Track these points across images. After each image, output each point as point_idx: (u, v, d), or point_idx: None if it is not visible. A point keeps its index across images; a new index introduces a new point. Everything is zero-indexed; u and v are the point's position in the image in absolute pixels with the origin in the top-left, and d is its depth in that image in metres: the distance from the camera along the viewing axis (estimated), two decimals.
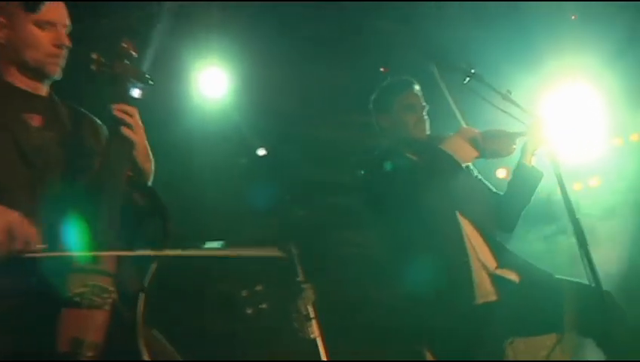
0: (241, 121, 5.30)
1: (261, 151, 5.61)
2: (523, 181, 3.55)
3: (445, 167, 3.34)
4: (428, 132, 3.61)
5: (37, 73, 2.49)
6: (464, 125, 3.48)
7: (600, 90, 5.23)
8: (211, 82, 5.12)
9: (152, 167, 2.60)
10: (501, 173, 4.85)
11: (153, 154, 2.61)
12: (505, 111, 3.42)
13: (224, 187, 5.31)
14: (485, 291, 3.33)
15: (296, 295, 3.90)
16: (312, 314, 3.90)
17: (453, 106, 3.50)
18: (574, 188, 5.67)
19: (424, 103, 3.64)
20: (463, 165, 3.39)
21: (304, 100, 5.28)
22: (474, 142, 3.38)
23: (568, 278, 3.36)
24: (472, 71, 3.40)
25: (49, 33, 2.47)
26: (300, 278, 3.97)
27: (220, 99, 5.19)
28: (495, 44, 4.68)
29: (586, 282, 3.08)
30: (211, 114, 5.22)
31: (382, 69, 5.05)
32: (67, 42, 2.51)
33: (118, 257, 2.25)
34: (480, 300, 3.31)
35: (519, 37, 4.97)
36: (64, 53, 2.51)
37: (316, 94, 5.26)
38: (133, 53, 2.55)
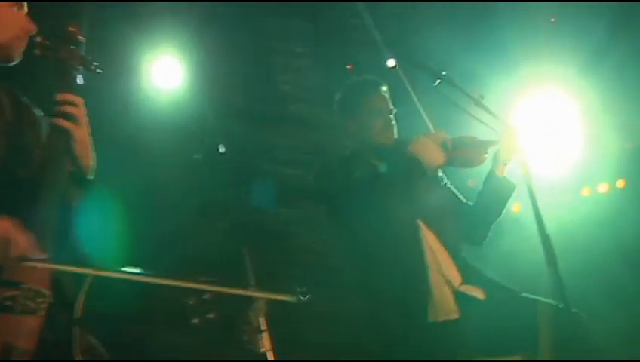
0: (197, 115, 5.26)
1: (220, 148, 5.57)
2: (494, 192, 3.56)
3: (410, 171, 3.33)
4: (395, 136, 3.61)
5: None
6: (433, 130, 3.50)
7: (576, 99, 5.31)
8: (165, 73, 5.07)
9: (93, 163, 2.56)
10: (473, 183, 4.89)
11: (100, 148, 2.57)
12: (477, 118, 3.45)
13: (176, 185, 5.27)
14: (447, 308, 3.34)
15: (248, 305, 3.88)
16: (263, 326, 3.88)
17: (422, 110, 3.51)
18: (546, 202, 5.75)
19: (392, 106, 3.63)
20: (430, 169, 3.38)
21: (265, 97, 5.27)
22: (443, 147, 3.37)
23: (535, 297, 3.38)
24: (443, 73, 3.42)
25: (18, 15, 2.46)
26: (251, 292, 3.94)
27: (173, 90, 5.15)
28: (467, 47, 4.72)
29: (554, 302, 3.13)
30: (164, 106, 5.17)
31: (348, 67, 5.05)
32: (34, 28, 2.48)
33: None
34: (441, 317, 3.31)
35: (493, 39, 5.01)
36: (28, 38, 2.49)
37: (278, 91, 5.26)
38: (80, 38, 2.52)
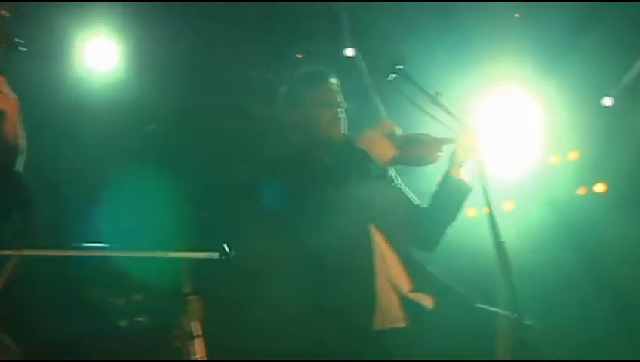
0: (133, 100, 5.20)
1: (155, 138, 5.51)
2: (449, 195, 3.56)
3: (357, 164, 3.32)
4: (345, 132, 3.58)
5: None
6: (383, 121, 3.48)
7: (538, 100, 5.38)
8: (99, 53, 5.03)
9: (23, 146, 2.51)
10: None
11: (27, 131, 2.53)
12: (433, 116, 3.43)
13: (108, 175, 5.21)
14: (393, 316, 3.33)
15: (181, 308, 3.84)
16: (197, 332, 3.85)
17: (378, 103, 3.50)
18: (504, 208, 5.83)
19: (342, 99, 3.61)
20: (379, 163, 3.37)
21: (208, 85, 5.22)
22: (393, 139, 3.37)
23: (489, 307, 3.44)
24: (399, 67, 3.38)
25: None
26: (187, 289, 3.90)
27: (108, 72, 5.10)
28: (426, 41, 4.73)
29: (507, 312, 3.11)
30: (98, 88, 5.11)
31: (298, 56, 5.02)
32: None
33: None
34: (386, 325, 3.31)
35: (452, 35, 5.05)
36: None
37: (221, 80, 5.21)
38: (4, 13, 2.48)
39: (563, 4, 5.15)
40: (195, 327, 3.86)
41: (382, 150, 3.34)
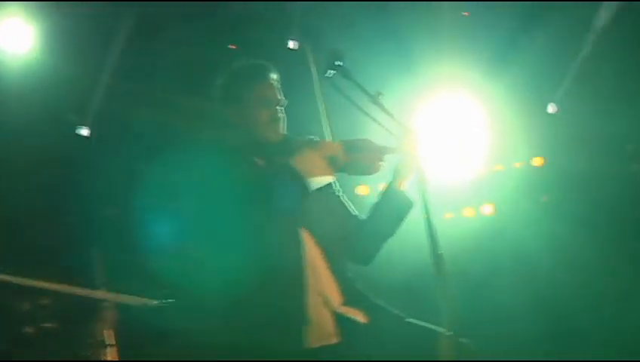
0: (50, 87, 5.11)
1: (84, 131, 5.41)
2: (390, 207, 3.55)
3: (290, 190, 3.27)
4: (283, 132, 3.55)
5: None
6: (327, 130, 3.49)
7: (483, 104, 5.42)
8: (13, 35, 4.98)
9: None
10: (362, 190, 4.90)
11: None
12: (372, 117, 3.41)
13: (20, 168, 5.10)
14: (324, 332, 3.31)
15: (92, 315, 3.76)
16: (109, 341, 3.78)
17: (321, 103, 3.45)
18: (445, 217, 5.87)
19: (282, 97, 3.56)
20: (312, 188, 3.31)
21: (132, 75, 5.19)
22: (333, 163, 3.33)
23: (422, 323, 3.41)
24: (338, 63, 3.35)
25: None
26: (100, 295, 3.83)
27: (22, 55, 5.04)
28: (365, 39, 4.73)
29: (441, 329, 3.11)
30: (11, 71, 5.02)
31: (231, 46, 4.96)
32: None
33: None
34: (317, 343, 3.29)
35: (395, 33, 5.06)
36: None
37: (147, 71, 5.15)
38: None
39: (510, 4, 5.21)
40: (108, 335, 3.78)
41: (319, 175, 3.29)
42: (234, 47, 4.96)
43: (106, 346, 3.78)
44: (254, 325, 3.26)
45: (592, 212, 5.76)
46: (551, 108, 5.76)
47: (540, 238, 5.77)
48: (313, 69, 3.46)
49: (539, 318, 5.90)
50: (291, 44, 4.91)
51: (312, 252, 3.38)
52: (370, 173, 3.43)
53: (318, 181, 3.31)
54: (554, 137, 5.79)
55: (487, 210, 6.08)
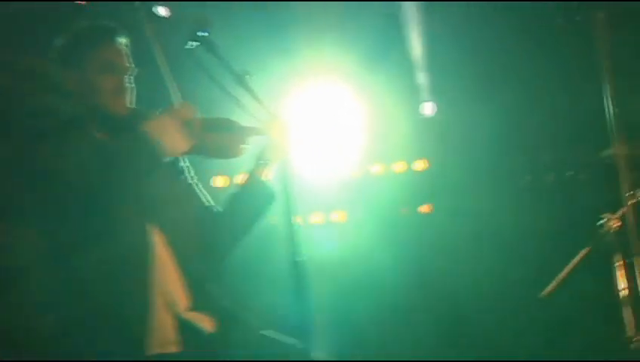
0: None
1: None
2: (250, 198, 3.54)
3: (141, 157, 3.20)
4: (131, 105, 3.47)
5: None
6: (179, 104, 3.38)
7: (361, 99, 5.45)
8: None
9: None
10: (220, 182, 4.85)
11: None
12: (236, 99, 3.37)
13: None
14: (163, 338, 3.27)
15: None
16: None
17: (167, 75, 3.41)
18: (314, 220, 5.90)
19: (131, 64, 3.48)
20: (167, 157, 3.26)
21: None
22: (188, 128, 3.26)
23: (275, 335, 3.50)
24: (203, 34, 3.30)
25: None
26: None
27: None
28: (236, 13, 4.69)
29: (294, 342, 3.10)
30: None
31: (79, 2, 4.81)
32: None
33: None
34: (155, 349, 3.24)
35: (271, 12, 5.04)
36: None
37: None
38: None
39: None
40: None
41: (173, 143, 3.23)
42: (82, 2, 4.80)
43: None
44: (89, 325, 3.20)
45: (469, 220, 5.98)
46: (428, 109, 5.88)
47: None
48: (150, 33, 3.37)
49: (391, 326, 6.13)
50: (161, 11, 4.80)
51: (159, 246, 3.33)
52: (230, 156, 3.41)
53: (173, 147, 3.25)
54: (436, 139, 5.92)
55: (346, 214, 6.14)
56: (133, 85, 3.48)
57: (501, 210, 5.94)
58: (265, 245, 4.03)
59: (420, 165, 6.13)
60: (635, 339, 4.42)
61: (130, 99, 3.47)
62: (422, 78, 5.69)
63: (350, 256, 5.81)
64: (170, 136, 3.22)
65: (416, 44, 5.50)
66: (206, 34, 3.32)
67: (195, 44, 3.31)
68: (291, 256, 3.14)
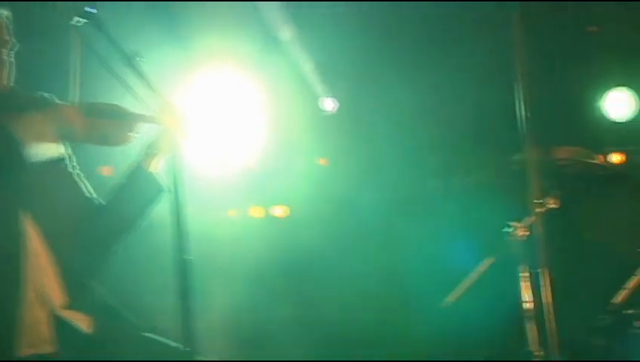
0: None
1: None
2: (136, 191, 3.50)
3: (9, 152, 3.18)
4: (8, 82, 3.39)
5: None
6: (75, 90, 3.36)
7: (264, 94, 5.42)
8: None
9: None
10: (106, 171, 4.77)
11: None
12: (124, 83, 3.26)
13: None
14: (38, 337, 3.24)
15: None
16: None
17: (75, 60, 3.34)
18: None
19: (11, 37, 3.40)
20: (32, 162, 3.24)
21: None
22: (66, 133, 3.28)
23: (157, 337, 3.47)
24: (90, 10, 3.22)
25: None
26: None
27: None
28: None
29: (177, 344, 3.11)
30: None
31: None
32: None
33: None
34: (28, 349, 3.20)
35: None
36: None
37: None
38: None
39: None
40: None
41: (43, 142, 3.27)
42: None
43: None
44: None
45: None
46: (328, 105, 5.90)
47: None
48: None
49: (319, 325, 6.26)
50: None
51: (32, 238, 3.29)
52: (115, 145, 3.39)
53: (42, 153, 3.23)
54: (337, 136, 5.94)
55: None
56: (12, 60, 3.40)
57: (403, 211, 5.97)
58: (152, 241, 3.95)
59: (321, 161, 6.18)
60: (536, 354, 4.48)
61: (7, 76, 3.39)
62: (317, 73, 5.69)
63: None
64: (41, 138, 3.27)
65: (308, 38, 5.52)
66: (94, 10, 3.24)
67: (82, 20, 3.24)
68: (179, 253, 3.09)
